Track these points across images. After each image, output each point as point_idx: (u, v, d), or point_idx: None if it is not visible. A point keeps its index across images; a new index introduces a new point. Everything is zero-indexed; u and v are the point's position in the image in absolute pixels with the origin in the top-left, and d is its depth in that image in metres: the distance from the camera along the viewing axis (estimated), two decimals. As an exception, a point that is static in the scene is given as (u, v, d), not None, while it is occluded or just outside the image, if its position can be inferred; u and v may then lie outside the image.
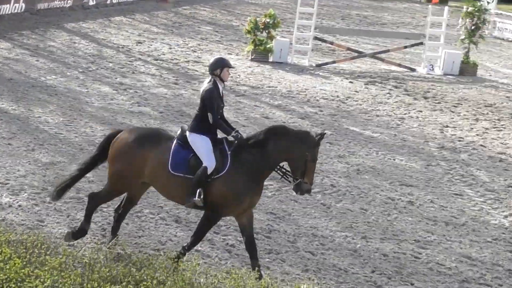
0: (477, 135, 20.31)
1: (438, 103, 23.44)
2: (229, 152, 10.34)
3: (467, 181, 16.27)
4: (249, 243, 10.46)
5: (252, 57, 27.16)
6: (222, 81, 10.73)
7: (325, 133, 10.88)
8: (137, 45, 28.97)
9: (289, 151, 10.42)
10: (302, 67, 27.06)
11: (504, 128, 21.22)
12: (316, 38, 28.36)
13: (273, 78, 24.97)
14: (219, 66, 10.66)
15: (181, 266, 7.53)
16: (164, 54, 27.68)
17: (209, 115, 10.44)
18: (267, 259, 11.52)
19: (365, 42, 31.88)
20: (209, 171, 10.17)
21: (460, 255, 12.72)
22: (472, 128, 20.77)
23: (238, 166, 10.30)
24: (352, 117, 20.90)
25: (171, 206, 13.22)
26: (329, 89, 23.94)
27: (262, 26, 27.03)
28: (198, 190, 10.12)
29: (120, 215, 11.04)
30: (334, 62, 27.75)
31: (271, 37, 27.29)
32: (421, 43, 28.80)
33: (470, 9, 27.76)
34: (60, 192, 10.96)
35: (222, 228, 12.56)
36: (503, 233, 13.79)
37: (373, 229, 13.68)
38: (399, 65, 28.10)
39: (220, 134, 10.77)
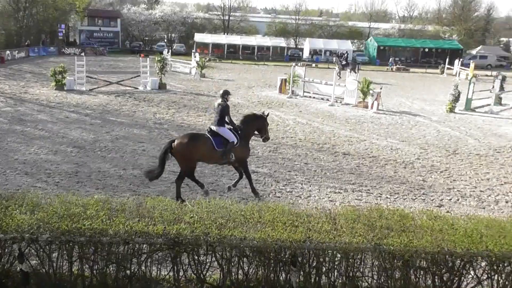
0: (170, 116, 20.15)
1: (151, 102, 23.14)
2: (238, 133, 10.17)
3: (168, 136, 16.11)
4: (240, 174, 10.56)
5: (55, 88, 25.71)
6: (227, 101, 10.21)
7: (268, 113, 10.93)
8: (-10, 86, 25.69)
9: (259, 125, 10.57)
10: (82, 91, 25.81)
11: (182, 112, 21.24)
12: (87, 76, 26.84)
13: (68, 97, 23.76)
14: (227, 94, 10.29)
15: (29, 195, 6.79)
16: (5, 90, 25.18)
17: (227, 117, 10.10)
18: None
19: (113, 76, 30.51)
20: (235, 144, 10.02)
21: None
22: (167, 113, 20.70)
23: (242, 138, 10.21)
24: (110, 113, 20.24)
25: (22, 167, 11.85)
26: (98, 100, 22.91)
27: (58, 72, 25.31)
28: (231, 154, 9.99)
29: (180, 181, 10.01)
30: (98, 87, 26.76)
31: (64, 77, 25.87)
32: (139, 75, 28.18)
33: (159, 58, 27.91)
34: (153, 179, 9.93)
35: (53, 174, 11.47)
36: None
37: (126, 160, 13.21)
38: (130, 86, 27.54)
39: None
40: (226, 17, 72.61)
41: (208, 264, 6.12)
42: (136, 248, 5.98)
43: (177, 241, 5.86)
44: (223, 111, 9.99)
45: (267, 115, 10.71)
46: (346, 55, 37.06)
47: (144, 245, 5.99)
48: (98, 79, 28.16)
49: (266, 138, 10.75)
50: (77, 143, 14.82)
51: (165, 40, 67.97)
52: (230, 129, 10.12)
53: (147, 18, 67.44)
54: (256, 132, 10.68)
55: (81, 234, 5.82)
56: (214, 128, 10.03)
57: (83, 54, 41.03)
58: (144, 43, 65.00)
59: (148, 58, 29.34)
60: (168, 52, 38.16)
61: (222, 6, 73.49)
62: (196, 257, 6.06)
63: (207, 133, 10.10)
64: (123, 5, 71.48)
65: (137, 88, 27.37)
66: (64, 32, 58.21)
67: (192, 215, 6.29)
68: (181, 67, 38.47)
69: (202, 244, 5.93)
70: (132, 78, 28.36)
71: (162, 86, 27.84)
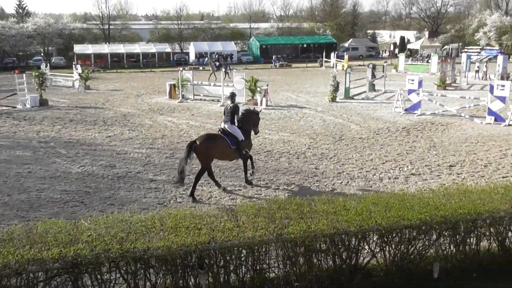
0: (56, 133, 18.62)
1: (32, 120, 21.38)
2: (243, 130, 11.21)
3: (55, 154, 15.07)
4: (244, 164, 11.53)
5: None
6: (234, 102, 11.45)
7: (261, 110, 12.51)
8: None
9: (255, 120, 11.67)
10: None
11: (68, 127, 19.90)
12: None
13: None
14: (234, 95, 11.57)
15: None
16: None
17: (236, 116, 11.15)
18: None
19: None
20: (244, 141, 11.13)
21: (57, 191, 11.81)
22: (52, 130, 19.19)
23: (245, 134, 11.23)
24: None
25: None
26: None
27: None
28: (244, 150, 11.06)
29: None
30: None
31: None
32: (15, 93, 26.04)
33: (37, 73, 26.06)
34: (180, 180, 10.42)
35: None
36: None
37: (10, 185, 12.07)
38: (7, 106, 25.18)
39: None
40: (106, 26, 69.85)
41: (113, 282, 5.87)
42: (30, 278, 5.53)
43: (76, 263, 5.52)
44: (235, 111, 11.18)
45: (260, 111, 12.12)
46: (217, 56, 38.94)
47: (40, 273, 5.56)
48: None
49: (257, 132, 12.00)
50: (-51, 173, 13.22)
51: (42, 54, 63.67)
52: (237, 127, 11.18)
53: (19, 32, 62.56)
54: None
55: (-37, 273, 5.21)
56: (226, 126, 11.08)
57: None
58: (18, 59, 60.25)
59: (24, 74, 27.12)
60: (46, 66, 35.71)
61: (101, 15, 70.58)
62: (99, 276, 5.77)
63: (220, 133, 11.10)
64: (-12, 20, 65.60)
65: (15, 107, 25.07)
66: None
67: (90, 233, 5.96)
68: (63, 80, 36.21)
69: (104, 262, 5.65)
70: (7, 97, 25.98)
71: (43, 103, 25.85)
